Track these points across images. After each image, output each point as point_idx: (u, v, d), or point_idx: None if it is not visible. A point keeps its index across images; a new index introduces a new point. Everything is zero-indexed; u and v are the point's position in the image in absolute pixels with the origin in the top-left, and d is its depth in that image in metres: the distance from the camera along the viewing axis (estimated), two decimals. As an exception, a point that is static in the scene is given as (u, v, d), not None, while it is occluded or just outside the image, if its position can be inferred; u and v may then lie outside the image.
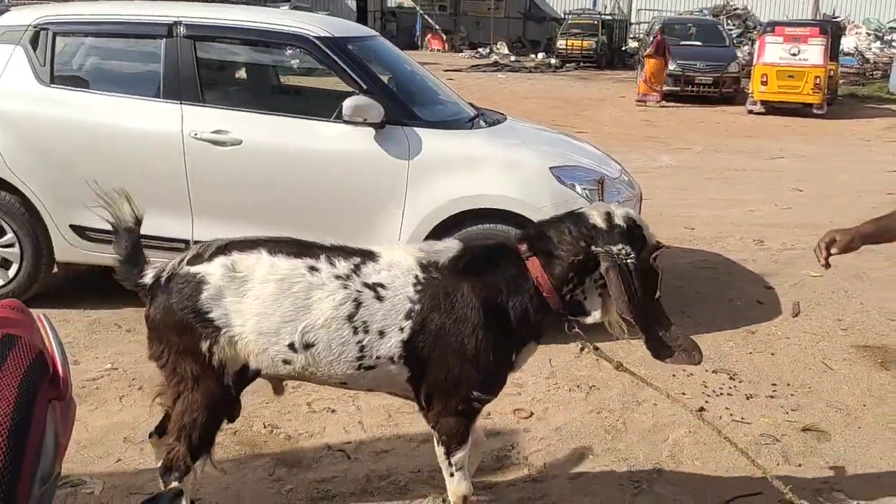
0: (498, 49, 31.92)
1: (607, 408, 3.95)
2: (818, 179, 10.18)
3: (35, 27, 4.84)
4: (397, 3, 37.97)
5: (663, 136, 13.59)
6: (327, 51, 4.74)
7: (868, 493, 3.28)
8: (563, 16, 32.83)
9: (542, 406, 3.95)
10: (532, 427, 3.73)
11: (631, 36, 33.20)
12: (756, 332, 5.00)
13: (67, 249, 4.85)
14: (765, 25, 19.17)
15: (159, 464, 2.65)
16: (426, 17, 35.95)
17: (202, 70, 4.80)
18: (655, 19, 25.29)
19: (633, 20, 34.26)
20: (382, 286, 2.53)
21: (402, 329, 2.52)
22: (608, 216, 2.62)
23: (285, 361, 2.54)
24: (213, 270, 2.51)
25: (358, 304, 2.51)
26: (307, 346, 2.51)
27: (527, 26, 36.78)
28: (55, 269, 5.10)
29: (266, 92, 5.71)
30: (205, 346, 2.50)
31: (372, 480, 3.24)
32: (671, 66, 18.33)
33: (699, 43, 20.33)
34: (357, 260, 2.58)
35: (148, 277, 2.58)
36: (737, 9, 32.20)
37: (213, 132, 4.62)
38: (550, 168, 4.69)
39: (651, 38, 19.77)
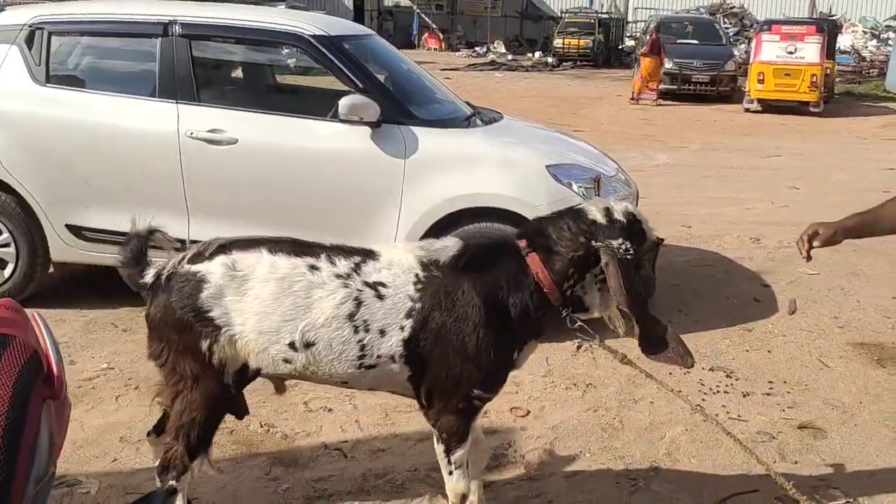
0: (495, 48, 31.93)
1: (604, 406, 3.95)
2: (815, 177, 10.19)
3: (30, 27, 4.83)
4: (394, 1, 37.99)
5: (660, 135, 13.60)
6: (323, 50, 4.73)
7: (864, 490, 3.28)
8: (559, 14, 32.88)
9: (539, 404, 3.95)
10: (529, 425, 3.73)
11: (628, 34, 33.21)
12: (752, 329, 5.00)
13: (63, 249, 4.84)
14: (761, 24, 19.20)
15: (157, 463, 2.65)
16: (423, 15, 35.93)
17: (198, 69, 4.80)
18: (652, 18, 25.30)
19: (629, 19, 34.29)
20: (383, 285, 2.53)
21: (402, 328, 2.52)
22: (607, 211, 2.62)
23: (286, 360, 2.53)
24: (213, 269, 2.50)
25: (359, 302, 2.50)
26: (308, 345, 2.50)
27: (524, 25, 36.81)
28: (51, 269, 5.08)
29: (262, 91, 5.70)
30: (205, 344, 2.49)
31: (369, 479, 3.24)
32: (668, 65, 18.37)
33: (696, 41, 20.41)
34: (357, 259, 2.57)
35: (149, 277, 2.58)
36: (733, 7, 32.24)
37: (208, 131, 4.61)
38: (547, 166, 4.70)
39: (647, 37, 19.79)
